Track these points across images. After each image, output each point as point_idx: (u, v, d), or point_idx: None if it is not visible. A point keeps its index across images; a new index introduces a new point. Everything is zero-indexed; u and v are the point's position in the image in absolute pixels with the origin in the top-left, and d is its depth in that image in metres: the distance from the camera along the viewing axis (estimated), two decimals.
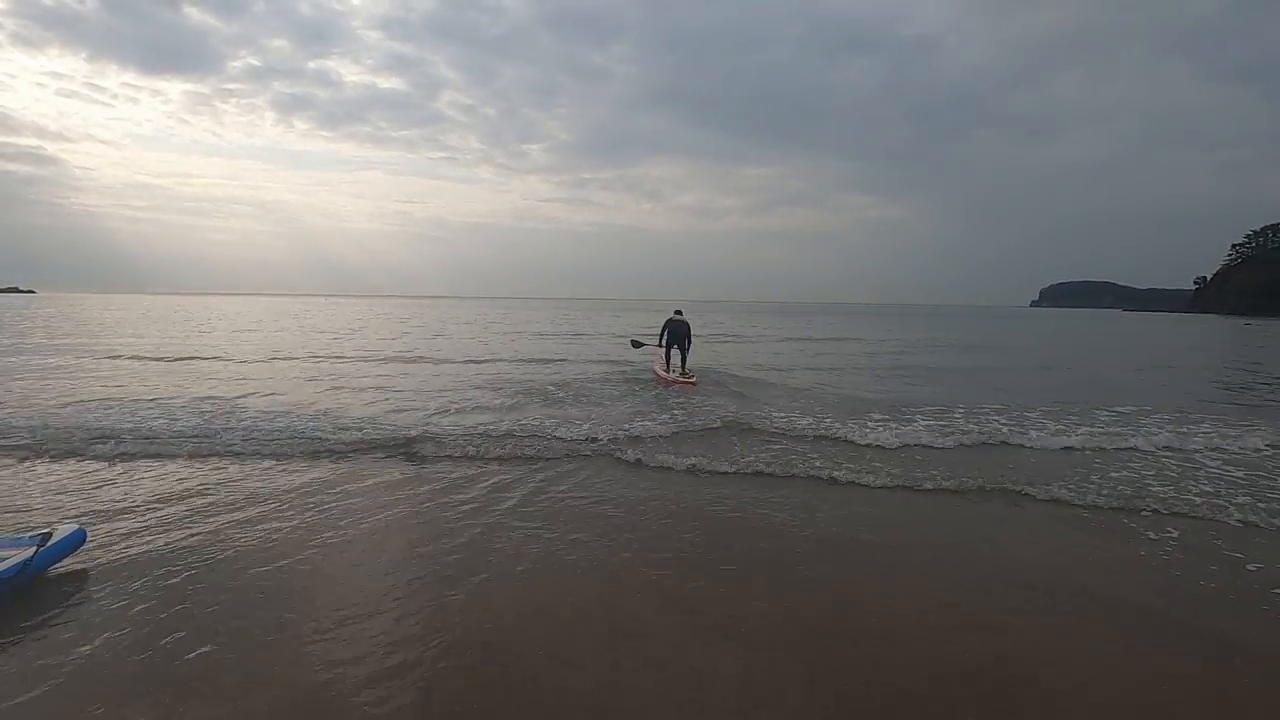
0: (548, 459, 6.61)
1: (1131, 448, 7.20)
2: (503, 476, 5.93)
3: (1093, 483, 5.84)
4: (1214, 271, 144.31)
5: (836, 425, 7.95)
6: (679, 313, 12.91)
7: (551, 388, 11.28)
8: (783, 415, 8.66)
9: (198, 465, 6.22)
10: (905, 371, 15.55)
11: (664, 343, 12.94)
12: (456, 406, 9.39)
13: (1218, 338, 35.47)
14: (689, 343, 12.88)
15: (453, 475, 5.97)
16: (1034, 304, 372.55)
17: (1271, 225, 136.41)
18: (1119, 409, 9.35)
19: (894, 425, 7.97)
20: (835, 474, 6.10)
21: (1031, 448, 7.26)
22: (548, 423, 7.97)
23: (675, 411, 8.91)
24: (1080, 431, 7.77)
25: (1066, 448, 7.23)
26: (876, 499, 5.54)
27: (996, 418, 8.58)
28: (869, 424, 8.02)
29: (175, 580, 3.74)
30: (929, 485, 5.81)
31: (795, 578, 3.91)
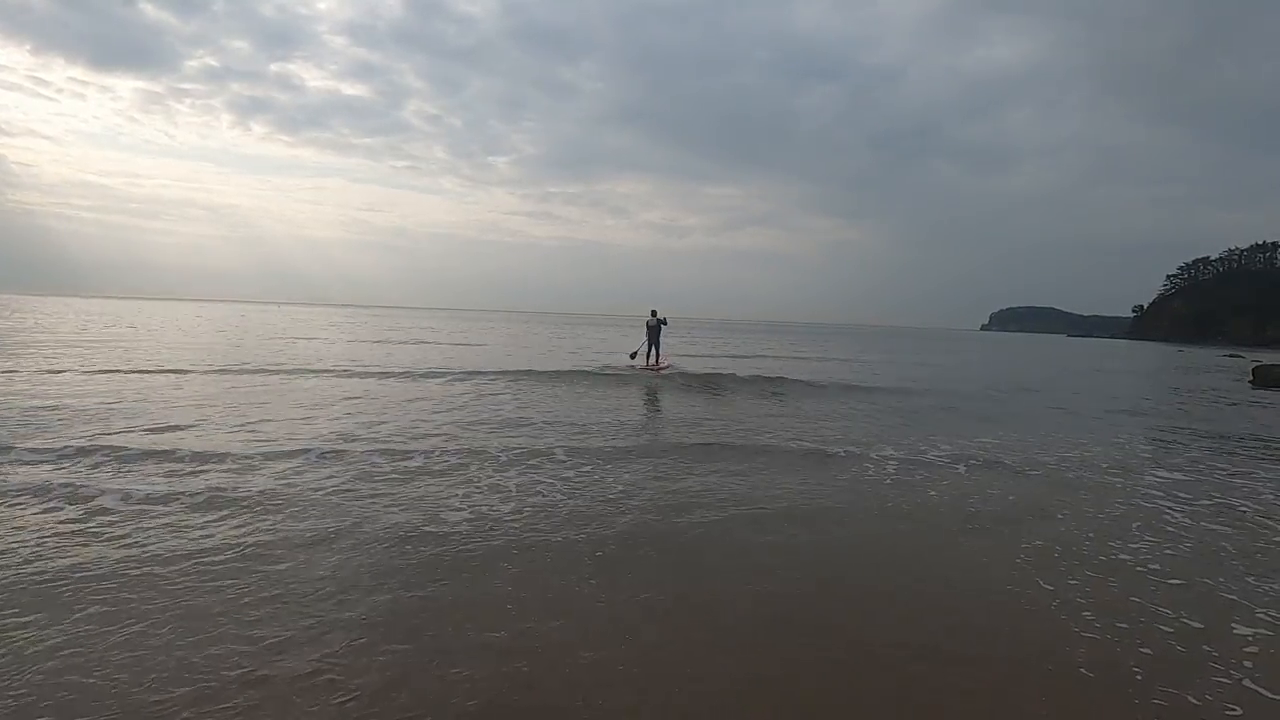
0: None
1: None
2: None
3: None
4: (1151, 300, 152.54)
5: None
6: (654, 313, 16.01)
7: None
8: None
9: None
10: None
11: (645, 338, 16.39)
12: None
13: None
14: (660, 331, 16.16)
15: None
16: (984, 327, 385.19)
17: (1201, 258, 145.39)
18: None
19: None
20: None
21: None
22: None
23: None
24: None
25: None
26: None
27: None
28: None
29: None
30: None
31: None
